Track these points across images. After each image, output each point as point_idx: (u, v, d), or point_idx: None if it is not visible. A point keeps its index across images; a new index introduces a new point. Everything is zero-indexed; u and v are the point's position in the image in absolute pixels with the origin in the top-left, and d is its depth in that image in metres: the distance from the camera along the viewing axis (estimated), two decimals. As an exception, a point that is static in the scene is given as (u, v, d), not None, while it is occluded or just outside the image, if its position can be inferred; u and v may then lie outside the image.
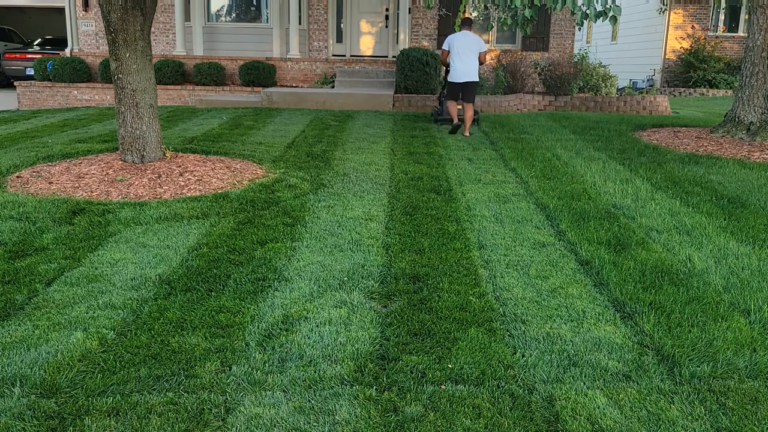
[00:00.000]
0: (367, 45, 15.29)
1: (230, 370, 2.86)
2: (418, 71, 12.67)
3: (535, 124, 10.40)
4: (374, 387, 2.75)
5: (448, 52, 9.15)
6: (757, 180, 6.57)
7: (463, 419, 2.54)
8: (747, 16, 12.03)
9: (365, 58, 14.92)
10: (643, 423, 2.55)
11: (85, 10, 15.27)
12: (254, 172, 6.69)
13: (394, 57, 14.51)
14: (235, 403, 2.63)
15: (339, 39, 15.32)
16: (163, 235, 4.66)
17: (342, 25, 15.25)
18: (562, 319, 3.44)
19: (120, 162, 6.50)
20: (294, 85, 14.50)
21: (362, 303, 3.58)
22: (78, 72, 14.13)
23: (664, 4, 13.73)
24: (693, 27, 18.12)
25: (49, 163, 6.79)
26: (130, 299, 3.57)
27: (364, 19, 15.21)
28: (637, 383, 2.83)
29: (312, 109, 12.09)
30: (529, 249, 4.52)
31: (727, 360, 3.01)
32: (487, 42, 15.08)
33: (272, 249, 4.38)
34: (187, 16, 14.83)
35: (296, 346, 3.09)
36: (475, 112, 10.00)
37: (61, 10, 17.37)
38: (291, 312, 3.45)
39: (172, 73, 13.78)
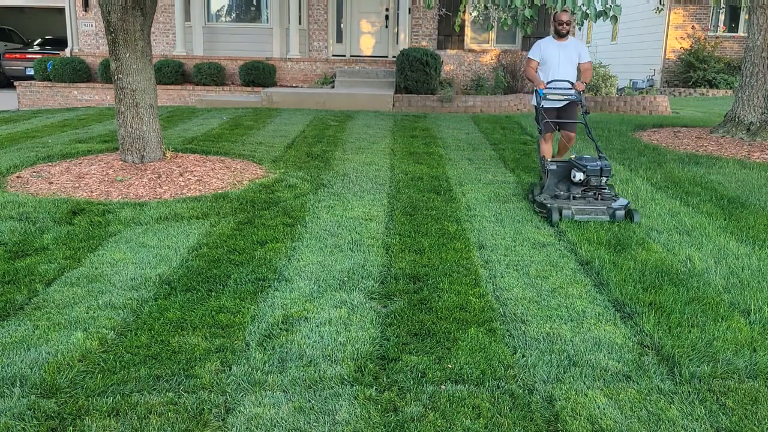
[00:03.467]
0: (367, 45, 15.29)
1: (230, 370, 2.86)
2: (418, 71, 12.67)
3: (535, 124, 10.38)
4: (374, 387, 2.75)
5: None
6: (757, 180, 6.57)
7: (463, 419, 2.54)
8: (747, 16, 12.03)
9: (365, 58, 14.92)
10: (643, 423, 2.55)
11: (85, 10, 15.27)
12: (254, 172, 6.69)
13: (394, 57, 14.51)
14: (235, 403, 2.63)
15: (339, 39, 15.31)
16: (163, 235, 4.66)
17: (342, 25, 15.25)
18: (562, 319, 3.44)
19: (120, 162, 6.50)
20: (294, 85, 14.50)
21: (362, 303, 3.58)
22: (78, 72, 14.13)
23: (661, 4, 13.72)
24: (693, 27, 18.12)
25: (49, 163, 6.79)
26: (130, 299, 3.57)
27: (364, 19, 15.21)
28: (637, 383, 2.83)
29: (312, 110, 12.09)
30: (529, 249, 4.52)
31: (727, 360, 3.01)
32: (487, 42, 15.04)
33: (272, 249, 4.38)
34: (187, 16, 14.83)
35: (296, 346, 3.09)
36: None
37: (61, 10, 17.37)
38: (291, 312, 3.45)
39: (172, 73, 13.78)
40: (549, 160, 5.66)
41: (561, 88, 6.18)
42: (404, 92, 12.89)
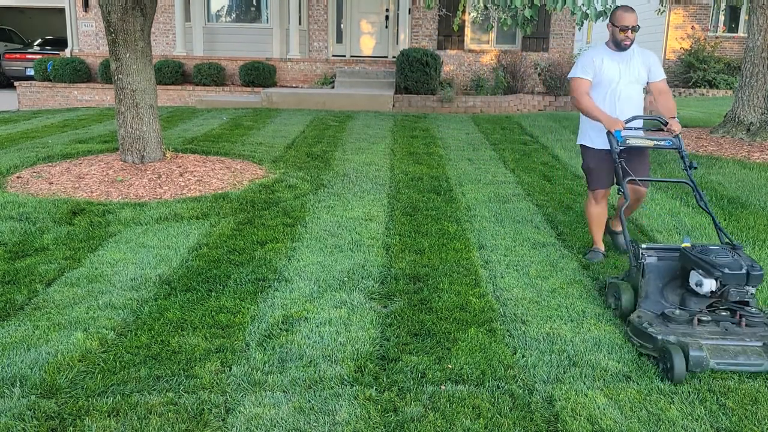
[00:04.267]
0: (367, 45, 15.29)
1: (230, 370, 2.86)
2: (418, 71, 12.67)
3: (535, 125, 10.40)
4: (374, 387, 2.75)
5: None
6: (757, 180, 6.57)
7: (463, 419, 2.54)
8: (747, 17, 12.03)
9: (365, 58, 14.92)
10: (643, 423, 2.55)
11: (85, 10, 15.27)
12: (254, 172, 6.69)
13: (394, 57, 14.50)
14: (235, 403, 2.63)
15: (339, 39, 15.31)
16: (163, 235, 4.66)
17: (342, 25, 15.25)
18: (562, 319, 3.44)
19: (120, 162, 6.50)
20: (294, 85, 14.50)
21: (362, 303, 3.58)
22: (78, 72, 14.13)
23: (662, 5, 13.74)
24: (693, 27, 18.12)
25: (50, 164, 6.79)
26: (130, 299, 3.57)
27: (364, 19, 15.21)
28: (637, 383, 2.83)
29: (312, 110, 12.09)
30: (529, 249, 4.52)
31: (727, 360, 3.00)
32: (487, 42, 15.02)
33: (272, 249, 4.38)
34: (187, 17, 14.83)
35: (296, 346, 3.09)
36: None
37: (61, 10, 17.36)
38: (291, 312, 3.45)
39: (172, 73, 13.78)
40: (644, 246, 3.40)
41: (649, 129, 4.17)
42: (404, 92, 12.89)
